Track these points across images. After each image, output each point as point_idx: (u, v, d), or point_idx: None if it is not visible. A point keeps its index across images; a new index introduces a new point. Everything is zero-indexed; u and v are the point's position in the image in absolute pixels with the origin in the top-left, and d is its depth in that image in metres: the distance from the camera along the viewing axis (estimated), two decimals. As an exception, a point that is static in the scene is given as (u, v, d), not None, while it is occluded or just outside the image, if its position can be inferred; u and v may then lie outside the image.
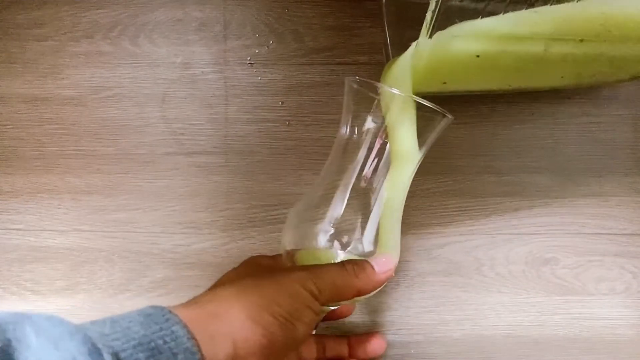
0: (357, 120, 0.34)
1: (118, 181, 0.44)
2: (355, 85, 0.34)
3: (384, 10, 0.38)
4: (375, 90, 0.33)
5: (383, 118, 0.34)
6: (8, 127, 0.44)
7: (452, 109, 0.44)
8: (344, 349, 0.38)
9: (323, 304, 0.31)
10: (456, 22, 0.30)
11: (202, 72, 0.44)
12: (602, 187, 0.44)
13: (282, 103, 0.44)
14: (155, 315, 0.27)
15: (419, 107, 0.33)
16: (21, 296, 0.43)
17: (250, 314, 0.28)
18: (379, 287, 0.33)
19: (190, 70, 0.44)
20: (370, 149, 0.34)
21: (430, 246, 0.43)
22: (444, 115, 0.33)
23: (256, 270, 0.34)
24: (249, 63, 0.44)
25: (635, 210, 0.44)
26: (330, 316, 0.39)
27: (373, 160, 0.34)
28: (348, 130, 0.35)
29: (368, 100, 0.34)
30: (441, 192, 0.44)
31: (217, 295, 0.30)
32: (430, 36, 0.30)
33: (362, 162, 0.34)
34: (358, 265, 0.32)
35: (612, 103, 0.44)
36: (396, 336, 0.43)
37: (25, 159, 0.44)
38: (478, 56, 0.32)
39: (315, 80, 0.44)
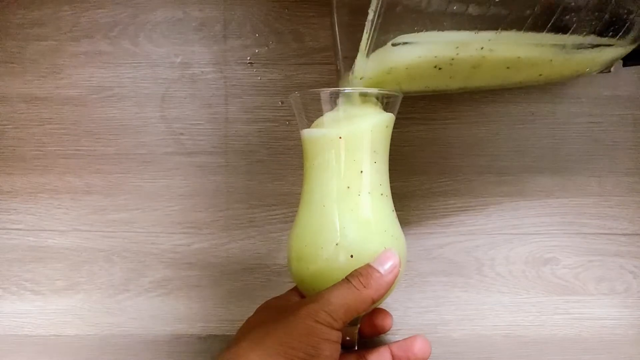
0: (316, 127, 0.35)
1: (118, 181, 0.44)
2: (300, 101, 0.35)
3: (334, 12, 0.38)
4: (318, 97, 0.34)
5: (338, 116, 0.34)
6: (8, 127, 0.44)
7: (453, 109, 0.44)
8: (386, 359, 0.37)
9: (341, 329, 0.30)
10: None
11: (202, 71, 0.44)
12: (602, 187, 0.44)
13: (282, 103, 0.44)
14: None
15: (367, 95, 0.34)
16: (21, 296, 0.43)
17: None
18: (390, 286, 0.32)
19: (190, 70, 0.44)
20: (337, 150, 0.34)
21: (431, 246, 0.43)
22: (392, 95, 0.34)
23: (268, 316, 0.33)
24: (249, 63, 0.44)
25: (635, 210, 0.44)
26: (372, 332, 0.38)
27: (344, 159, 0.34)
28: (314, 140, 0.35)
29: (318, 107, 0.34)
30: (441, 192, 0.44)
31: (233, 353, 0.29)
32: (368, 55, 0.32)
33: (334, 164, 0.34)
34: (363, 275, 0.31)
35: (612, 103, 0.44)
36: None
37: (25, 159, 0.44)
38: (436, 66, 0.33)
39: (315, 80, 0.44)
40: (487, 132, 0.44)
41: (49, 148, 0.44)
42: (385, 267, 0.32)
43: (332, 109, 0.34)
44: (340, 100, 0.34)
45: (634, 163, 0.44)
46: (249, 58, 0.44)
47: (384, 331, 0.39)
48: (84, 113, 0.44)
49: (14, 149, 0.44)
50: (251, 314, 0.36)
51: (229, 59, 0.44)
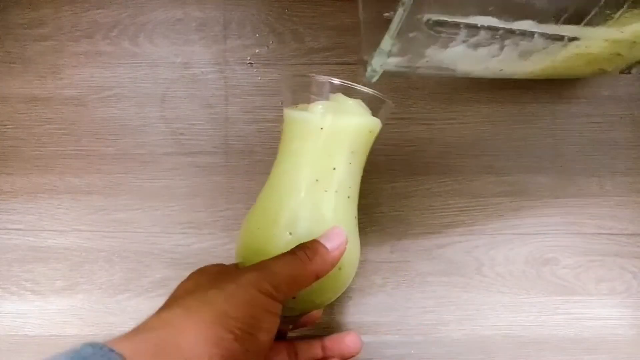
0: (300, 114, 0.34)
1: (118, 181, 0.44)
2: (291, 83, 0.34)
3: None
4: (310, 83, 0.33)
5: (325, 107, 0.33)
6: (8, 127, 0.44)
7: (453, 109, 0.44)
8: (317, 351, 0.36)
9: (282, 301, 0.29)
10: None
11: (202, 72, 0.44)
12: (602, 187, 0.44)
13: (282, 103, 0.44)
14: (92, 358, 0.23)
15: (359, 94, 0.33)
16: (21, 296, 0.43)
17: (203, 334, 0.25)
18: (334, 264, 0.31)
19: (190, 70, 0.44)
20: (315, 141, 0.33)
21: (431, 246, 0.43)
22: (384, 101, 0.34)
23: (206, 282, 0.30)
24: (249, 63, 0.44)
25: (635, 210, 0.44)
26: (300, 324, 0.37)
27: (320, 151, 0.33)
28: (294, 124, 0.34)
29: (308, 93, 0.34)
30: (441, 192, 0.44)
31: (164, 320, 0.26)
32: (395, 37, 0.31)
33: (309, 154, 0.33)
34: (309, 248, 0.30)
35: (612, 103, 0.44)
36: (396, 336, 0.43)
37: (25, 159, 0.44)
38: None
39: (315, 80, 0.44)
40: (487, 132, 0.44)
41: (49, 148, 0.44)
42: (332, 243, 0.30)
43: (322, 98, 0.33)
44: (331, 92, 0.33)
45: (634, 163, 0.44)
46: (249, 58, 0.44)
47: (312, 322, 0.38)
48: (84, 113, 0.44)
49: (14, 149, 0.44)
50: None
51: (229, 59, 0.44)
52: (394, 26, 0.30)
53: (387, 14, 0.36)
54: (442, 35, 0.31)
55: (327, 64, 0.44)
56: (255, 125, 0.44)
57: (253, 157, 0.44)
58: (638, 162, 0.44)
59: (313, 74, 0.34)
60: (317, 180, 0.32)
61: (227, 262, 0.43)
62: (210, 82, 0.44)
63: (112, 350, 0.23)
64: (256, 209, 0.34)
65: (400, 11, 0.28)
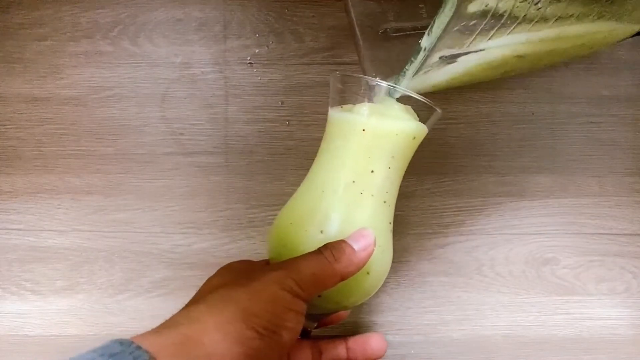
0: (343, 114, 0.34)
1: (118, 181, 0.44)
2: (339, 85, 0.34)
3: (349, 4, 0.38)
4: (358, 84, 0.33)
5: (371, 109, 0.33)
6: (8, 127, 0.44)
7: (453, 109, 0.44)
8: (341, 352, 0.36)
9: (307, 300, 0.29)
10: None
11: (202, 72, 0.44)
12: (602, 187, 0.44)
13: (282, 103, 0.44)
14: (121, 355, 0.23)
15: (408, 100, 0.33)
16: (21, 296, 0.43)
17: (226, 332, 0.25)
18: (361, 266, 0.30)
19: (190, 70, 0.44)
20: (356, 142, 0.32)
21: (431, 246, 0.43)
22: (433, 109, 0.33)
23: (231, 278, 0.31)
24: (249, 63, 0.44)
25: (635, 210, 0.44)
26: (324, 322, 0.37)
27: (360, 153, 0.32)
28: (337, 123, 0.34)
29: (355, 93, 0.33)
30: (441, 192, 0.44)
31: (189, 316, 0.27)
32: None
33: (348, 154, 0.33)
34: (336, 248, 0.29)
35: (612, 103, 0.44)
36: (396, 336, 0.43)
37: (25, 159, 0.44)
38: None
39: (315, 80, 0.44)
40: (487, 132, 0.44)
41: (49, 148, 0.44)
42: (359, 244, 0.30)
43: (368, 100, 0.33)
44: (379, 95, 0.33)
45: (634, 163, 0.44)
46: (249, 58, 0.44)
47: (337, 321, 0.38)
48: (84, 113, 0.44)
49: (14, 149, 0.44)
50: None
51: (229, 59, 0.44)
52: (413, 69, 0.30)
53: (382, 30, 0.36)
54: (449, 63, 0.31)
55: (327, 64, 0.44)
56: (255, 125, 0.44)
57: (253, 157, 0.44)
58: (638, 162, 0.44)
59: (362, 75, 0.33)
60: (353, 182, 0.32)
61: (226, 262, 0.44)
62: (210, 82, 0.44)
63: (139, 348, 0.23)
64: (291, 204, 0.34)
65: (420, 56, 0.29)
